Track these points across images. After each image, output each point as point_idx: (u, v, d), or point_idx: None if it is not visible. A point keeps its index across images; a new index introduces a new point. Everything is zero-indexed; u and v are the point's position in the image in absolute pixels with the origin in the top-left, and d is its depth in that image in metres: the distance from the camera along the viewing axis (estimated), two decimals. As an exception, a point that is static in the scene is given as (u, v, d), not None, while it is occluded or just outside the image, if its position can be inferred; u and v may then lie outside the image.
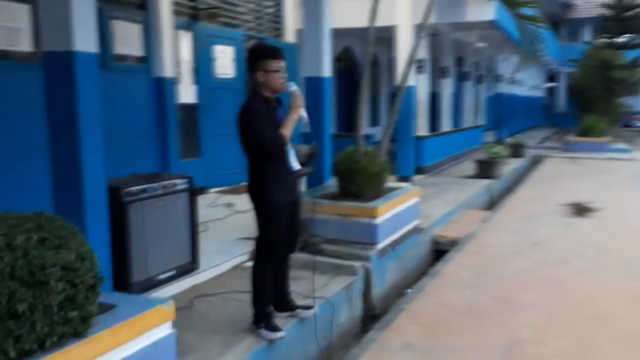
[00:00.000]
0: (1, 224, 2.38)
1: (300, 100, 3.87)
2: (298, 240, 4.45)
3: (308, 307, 4.36)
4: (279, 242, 3.97)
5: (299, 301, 4.43)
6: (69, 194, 3.79)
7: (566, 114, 34.43)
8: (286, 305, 4.31)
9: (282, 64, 3.85)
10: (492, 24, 12.27)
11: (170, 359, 3.07)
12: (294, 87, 3.90)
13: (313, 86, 6.77)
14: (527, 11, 7.18)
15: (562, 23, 38.34)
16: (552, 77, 39.43)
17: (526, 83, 26.27)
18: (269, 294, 4.08)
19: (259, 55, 3.87)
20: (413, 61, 6.82)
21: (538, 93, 33.61)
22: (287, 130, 3.82)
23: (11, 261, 2.26)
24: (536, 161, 16.99)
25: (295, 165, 4.01)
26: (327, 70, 6.80)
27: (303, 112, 3.89)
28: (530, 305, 5.20)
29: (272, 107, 3.88)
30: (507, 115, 21.91)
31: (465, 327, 4.73)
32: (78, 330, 2.51)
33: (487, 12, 11.72)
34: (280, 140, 3.77)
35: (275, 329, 3.98)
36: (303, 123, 3.95)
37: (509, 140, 19.40)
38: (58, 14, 3.67)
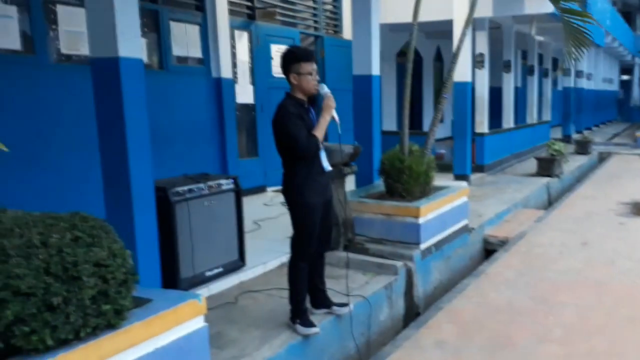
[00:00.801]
0: (38, 224, 2.57)
1: (332, 101, 3.97)
2: (332, 237, 4.57)
3: (344, 305, 4.46)
4: (312, 240, 4.09)
5: (337, 299, 4.53)
6: (117, 193, 4.02)
7: (640, 108, 33.17)
8: (323, 301, 4.43)
9: (314, 66, 3.97)
10: (551, 17, 11.95)
11: (203, 351, 3.21)
12: (325, 89, 4.01)
13: (362, 84, 6.82)
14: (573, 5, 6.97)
15: (638, 12, 36.72)
16: (628, 70, 37.93)
17: (597, 76, 25.37)
18: (305, 291, 4.21)
19: (291, 58, 3.97)
20: (458, 56, 6.75)
21: (612, 86, 32.36)
22: (320, 132, 3.94)
23: (46, 258, 2.44)
24: (602, 158, 16.54)
25: (327, 166, 4.12)
26: (376, 68, 6.82)
27: (334, 114, 3.98)
28: (567, 305, 5.18)
29: (305, 109, 4.00)
30: (575, 110, 21.25)
31: (499, 326, 4.76)
32: (112, 322, 2.67)
33: (546, 4, 11.41)
34: (314, 142, 3.90)
35: (310, 324, 4.10)
36: (336, 124, 4.04)
37: (576, 136, 18.87)
38: (104, 21, 3.89)
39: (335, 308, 4.42)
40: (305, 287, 4.21)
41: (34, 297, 2.38)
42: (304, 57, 3.97)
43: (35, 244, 2.47)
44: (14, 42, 5.80)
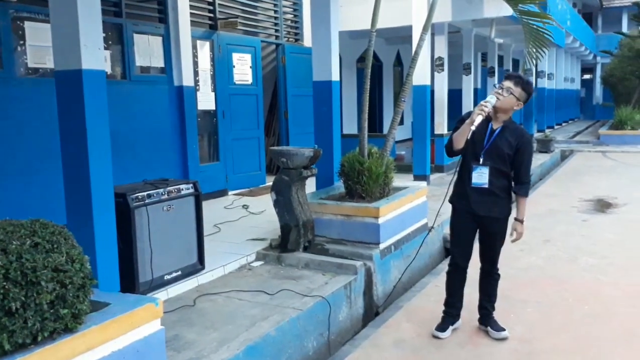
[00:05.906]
0: (-1, 231, 2.67)
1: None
2: (294, 239, 4.98)
3: (502, 329, 4.57)
4: None
5: (297, 299, 4.65)
6: (78, 200, 4.09)
7: (603, 106, 33.87)
8: (487, 320, 4.65)
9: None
10: (510, 19, 12.19)
11: (159, 354, 3.30)
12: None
13: (322, 90, 6.95)
14: (532, 7, 7.16)
15: (599, 12, 37.45)
16: (589, 69, 38.72)
17: (559, 76, 25.88)
18: (448, 295, 4.73)
19: None
20: (417, 61, 6.93)
21: (574, 85, 33.02)
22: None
23: (5, 264, 2.53)
24: (564, 156, 16.79)
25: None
26: (335, 74, 6.95)
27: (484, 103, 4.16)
28: (528, 302, 5.19)
29: None
30: (537, 109, 21.69)
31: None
32: (69, 326, 2.76)
33: (505, 7, 11.61)
34: None
35: (440, 329, 4.57)
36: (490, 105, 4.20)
37: (537, 135, 19.25)
38: (68, 35, 3.98)
39: (491, 331, 4.56)
40: (452, 291, 4.65)
41: (-7, 302, 2.47)
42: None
43: (-5, 251, 2.56)
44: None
